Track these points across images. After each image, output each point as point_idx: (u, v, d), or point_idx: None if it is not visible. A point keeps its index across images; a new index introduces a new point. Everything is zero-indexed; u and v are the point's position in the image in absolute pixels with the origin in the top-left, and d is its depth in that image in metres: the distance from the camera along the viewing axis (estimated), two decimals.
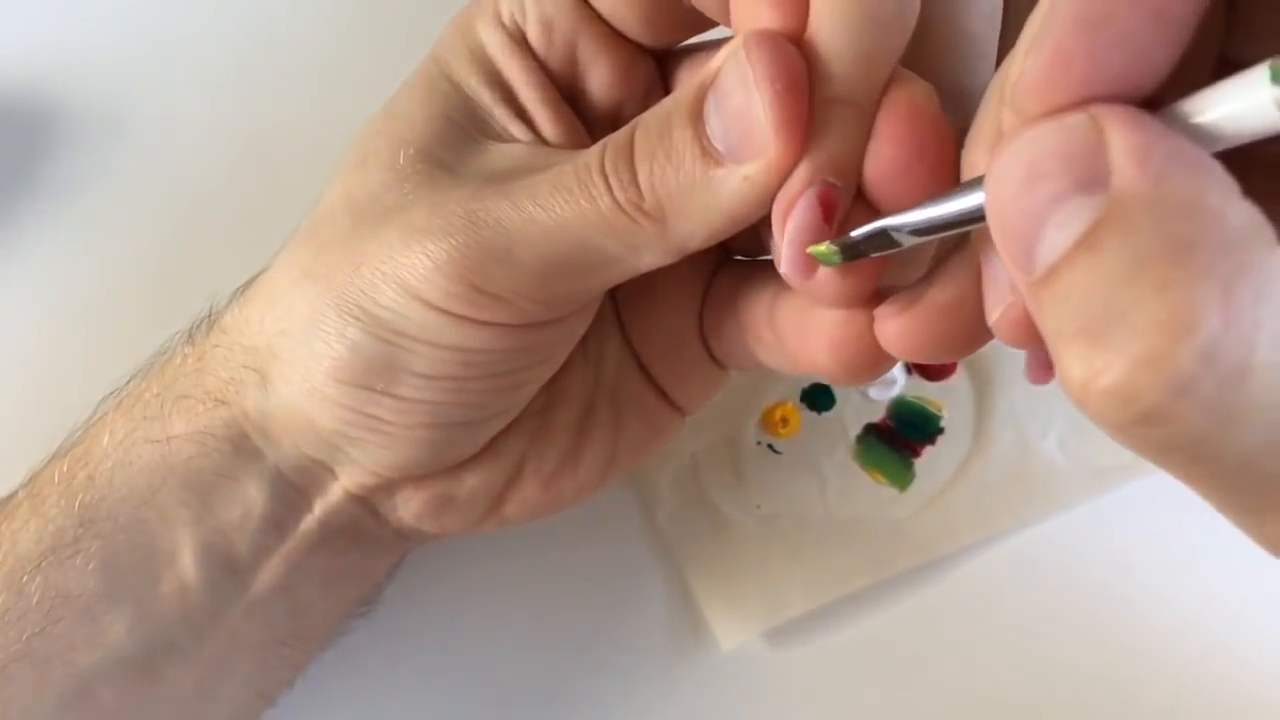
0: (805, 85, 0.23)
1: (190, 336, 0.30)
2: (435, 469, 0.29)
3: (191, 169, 0.40)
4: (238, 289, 0.30)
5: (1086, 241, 0.17)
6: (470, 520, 0.31)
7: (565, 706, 0.35)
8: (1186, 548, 0.36)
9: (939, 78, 0.24)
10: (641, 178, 0.25)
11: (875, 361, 0.26)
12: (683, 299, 0.30)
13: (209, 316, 0.30)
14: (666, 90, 0.29)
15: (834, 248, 0.23)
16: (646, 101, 0.29)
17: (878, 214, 0.23)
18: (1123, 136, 0.17)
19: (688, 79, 0.29)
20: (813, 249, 0.24)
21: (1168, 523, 0.36)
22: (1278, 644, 0.35)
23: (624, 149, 0.25)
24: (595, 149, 0.26)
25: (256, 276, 0.30)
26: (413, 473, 0.29)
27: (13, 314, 0.38)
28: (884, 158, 0.23)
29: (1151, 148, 0.17)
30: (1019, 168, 0.18)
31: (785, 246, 0.24)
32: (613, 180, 0.25)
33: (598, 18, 0.28)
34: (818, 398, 0.37)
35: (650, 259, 0.26)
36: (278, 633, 0.31)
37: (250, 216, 0.39)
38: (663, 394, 0.32)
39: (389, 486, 0.29)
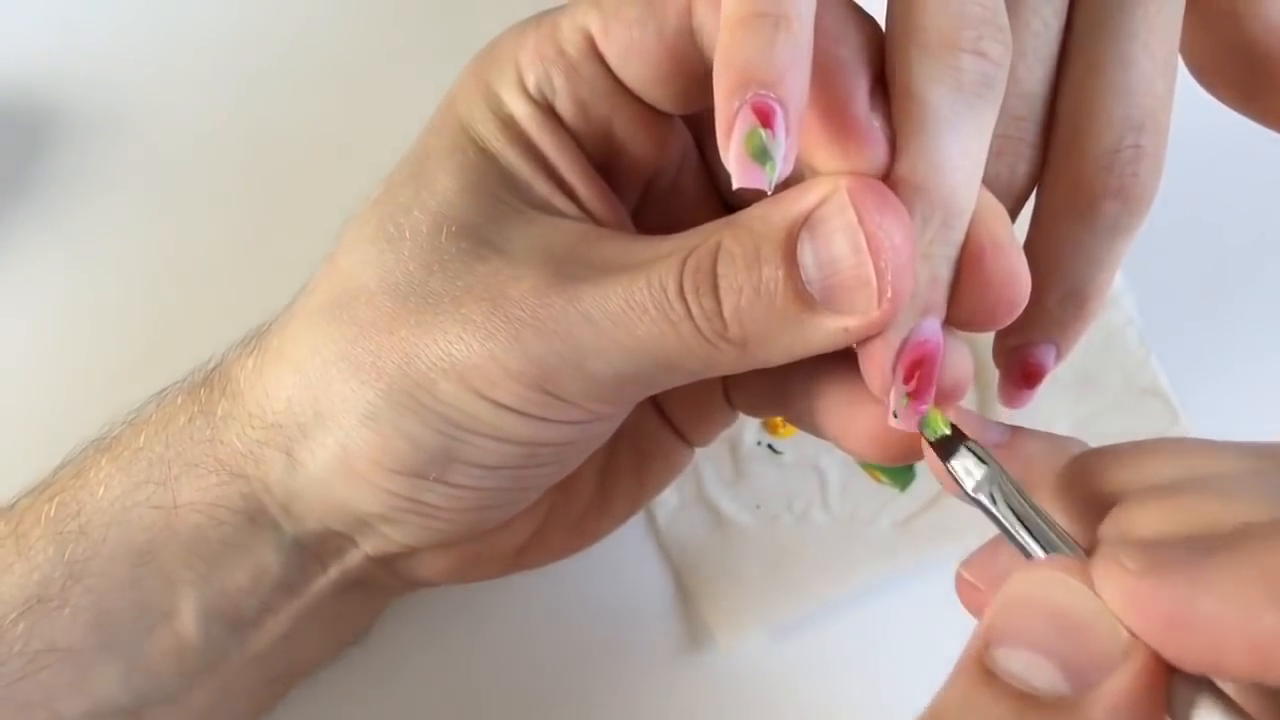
0: (914, 251, 0.23)
1: (193, 393, 0.29)
2: (471, 539, 0.29)
3: (192, 170, 0.40)
4: (244, 345, 0.29)
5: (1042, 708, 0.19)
6: (494, 572, 0.31)
7: (564, 706, 0.35)
8: None
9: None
10: (727, 310, 0.24)
11: (912, 454, 0.26)
12: None
13: (214, 370, 0.29)
14: (700, 151, 0.29)
15: (942, 425, 0.24)
16: (682, 166, 0.28)
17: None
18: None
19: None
20: (930, 413, 0.24)
21: None
22: None
23: (707, 276, 0.24)
24: (670, 264, 0.24)
25: (262, 333, 0.29)
26: (447, 544, 0.29)
27: (11, 315, 0.38)
28: (973, 306, 0.24)
29: None
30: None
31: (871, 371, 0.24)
32: (694, 307, 0.24)
33: (632, 95, 0.27)
34: None
35: (722, 372, 0.25)
36: (271, 673, 0.30)
37: (251, 218, 0.39)
38: (677, 432, 0.32)
39: (414, 553, 0.29)
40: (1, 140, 0.40)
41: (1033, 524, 0.22)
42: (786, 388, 0.28)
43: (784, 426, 0.37)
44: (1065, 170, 0.27)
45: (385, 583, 0.31)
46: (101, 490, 0.28)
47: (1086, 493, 0.23)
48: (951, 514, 0.36)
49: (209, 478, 0.28)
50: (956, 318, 0.24)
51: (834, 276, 0.23)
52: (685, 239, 0.25)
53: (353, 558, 0.29)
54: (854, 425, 0.26)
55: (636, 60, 0.26)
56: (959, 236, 0.24)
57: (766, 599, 0.35)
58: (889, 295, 0.23)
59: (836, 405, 0.26)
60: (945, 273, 0.24)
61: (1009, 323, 0.24)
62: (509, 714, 0.35)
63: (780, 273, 0.23)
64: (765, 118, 0.21)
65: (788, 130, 0.21)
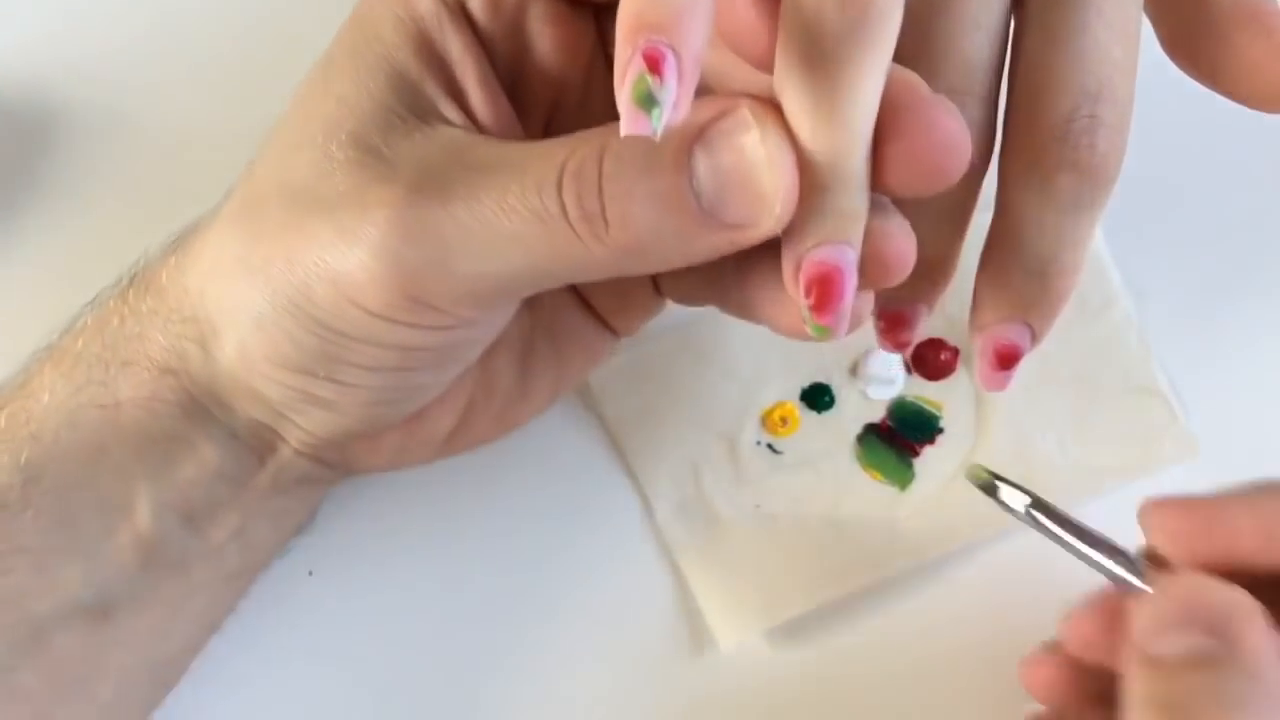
0: (795, 171, 0.23)
1: (122, 294, 0.30)
2: (383, 429, 0.30)
3: (192, 169, 0.40)
4: (170, 243, 0.30)
5: (1207, 663, 0.25)
6: (422, 459, 0.32)
7: (563, 706, 0.35)
8: None
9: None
10: (612, 213, 0.24)
11: (850, 329, 0.25)
12: None
13: (140, 270, 0.30)
14: (606, 56, 0.28)
15: (984, 474, 0.30)
16: (589, 76, 0.28)
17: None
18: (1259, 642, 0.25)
19: None
20: (971, 467, 0.30)
21: None
22: None
23: (592, 179, 0.24)
24: (548, 165, 0.24)
25: (189, 230, 0.30)
26: (360, 435, 0.30)
27: (12, 314, 0.38)
28: (903, 175, 0.24)
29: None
30: (1177, 616, 0.26)
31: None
32: (572, 209, 0.24)
33: None
34: (817, 398, 0.37)
35: (592, 277, 0.26)
36: (228, 570, 0.31)
37: None
38: (599, 320, 0.32)
39: (338, 445, 0.30)
40: (1, 140, 0.40)
41: (1081, 533, 0.29)
42: (719, 275, 0.28)
43: (784, 426, 0.37)
44: (1019, 142, 0.26)
45: (323, 476, 0.32)
46: (47, 396, 0.29)
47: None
48: (950, 514, 0.36)
49: (142, 374, 0.29)
50: (897, 176, 0.24)
51: (725, 189, 0.23)
52: (566, 141, 0.25)
53: (284, 453, 0.30)
54: (787, 314, 0.27)
55: None
56: (850, 176, 0.23)
57: (765, 599, 0.35)
58: (776, 210, 0.23)
59: (771, 294, 0.27)
60: (849, 201, 0.23)
61: (956, 175, 0.24)
62: (506, 712, 0.35)
63: (674, 180, 0.24)
64: (654, 64, 0.21)
65: (680, 77, 0.21)
